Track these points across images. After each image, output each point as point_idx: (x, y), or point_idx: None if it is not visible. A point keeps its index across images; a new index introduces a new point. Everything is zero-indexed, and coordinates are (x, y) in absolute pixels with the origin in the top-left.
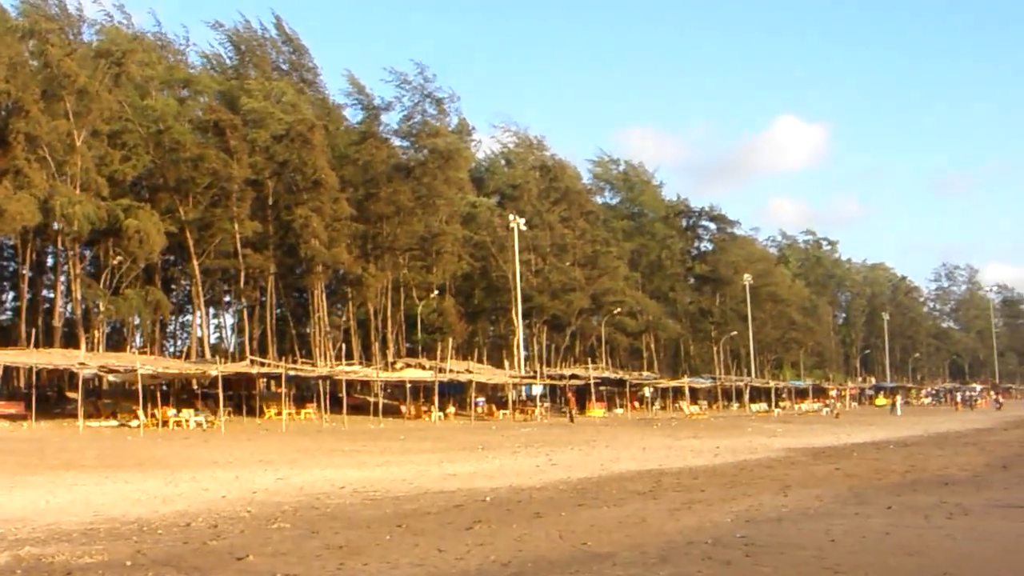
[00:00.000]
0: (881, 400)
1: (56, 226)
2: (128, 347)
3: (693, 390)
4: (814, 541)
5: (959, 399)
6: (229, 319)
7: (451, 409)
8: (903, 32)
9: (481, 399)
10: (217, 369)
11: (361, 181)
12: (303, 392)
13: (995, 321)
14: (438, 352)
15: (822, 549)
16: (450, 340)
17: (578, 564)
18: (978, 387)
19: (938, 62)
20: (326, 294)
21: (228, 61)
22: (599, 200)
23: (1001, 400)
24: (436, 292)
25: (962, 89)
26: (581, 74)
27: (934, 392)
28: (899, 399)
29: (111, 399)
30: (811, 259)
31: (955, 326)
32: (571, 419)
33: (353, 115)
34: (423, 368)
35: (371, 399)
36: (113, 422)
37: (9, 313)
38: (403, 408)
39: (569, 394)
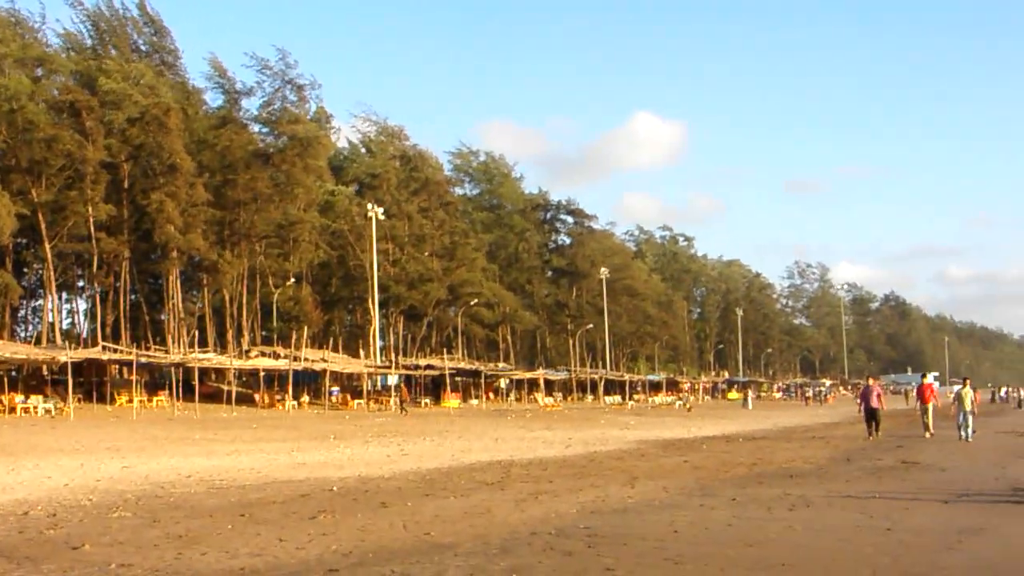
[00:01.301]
0: (733, 394)
1: None
2: None
3: (548, 382)
4: (657, 532)
5: (810, 394)
6: (82, 304)
7: (305, 398)
8: (760, 34)
9: (336, 388)
10: (67, 355)
11: (219, 167)
12: (156, 379)
13: (845, 318)
14: (293, 341)
15: (664, 540)
16: (306, 329)
17: (420, 554)
18: (828, 383)
19: (793, 66)
20: (181, 280)
21: (87, 41)
22: (458, 192)
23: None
24: (292, 280)
25: (815, 94)
26: (443, 65)
27: (785, 387)
28: (751, 393)
29: None
30: (667, 254)
31: (807, 323)
32: (403, 411)
33: (213, 99)
34: (278, 357)
35: (225, 387)
36: None
37: None
38: (257, 397)
39: (402, 385)
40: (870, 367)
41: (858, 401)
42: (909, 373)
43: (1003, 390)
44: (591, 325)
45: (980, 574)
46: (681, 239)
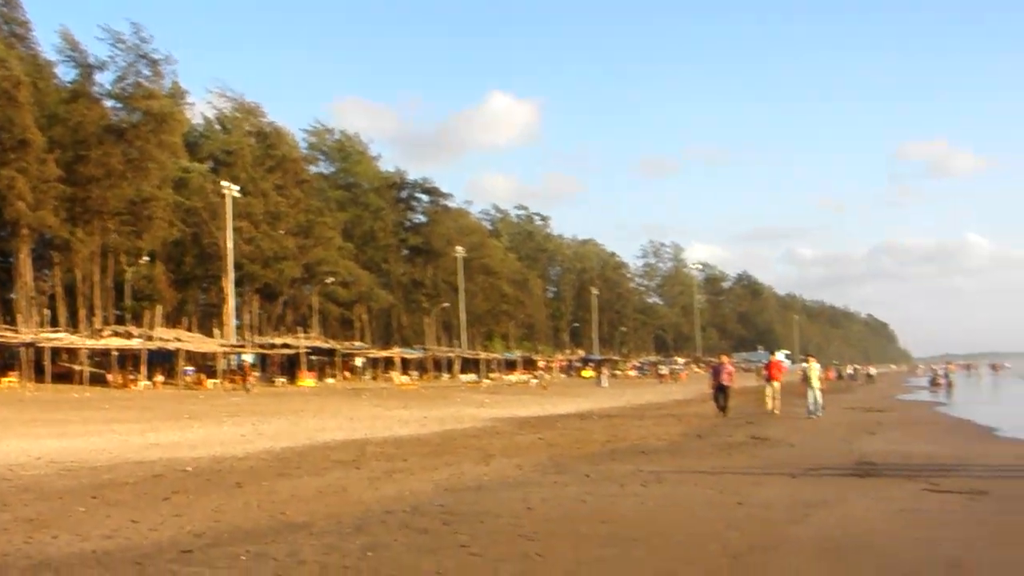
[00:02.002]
0: (588, 372)
1: None
2: None
3: (404, 360)
4: (511, 509)
5: (664, 372)
6: None
7: (159, 378)
8: (612, 12)
9: (190, 368)
10: None
11: (71, 142)
12: (6, 360)
13: (698, 297)
14: (146, 320)
15: (519, 517)
16: (159, 308)
17: (274, 534)
18: (681, 361)
19: (644, 44)
20: (32, 258)
21: None
22: (314, 170)
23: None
24: (146, 258)
25: (667, 73)
26: (298, 41)
27: (639, 365)
28: (605, 371)
29: None
30: (523, 233)
31: (661, 301)
32: (246, 390)
33: (65, 73)
34: (131, 336)
35: (77, 368)
36: None
37: None
38: (110, 377)
39: (245, 363)
40: (722, 345)
41: (710, 378)
42: (760, 351)
43: (849, 368)
44: (447, 304)
45: (826, 545)
46: (537, 218)
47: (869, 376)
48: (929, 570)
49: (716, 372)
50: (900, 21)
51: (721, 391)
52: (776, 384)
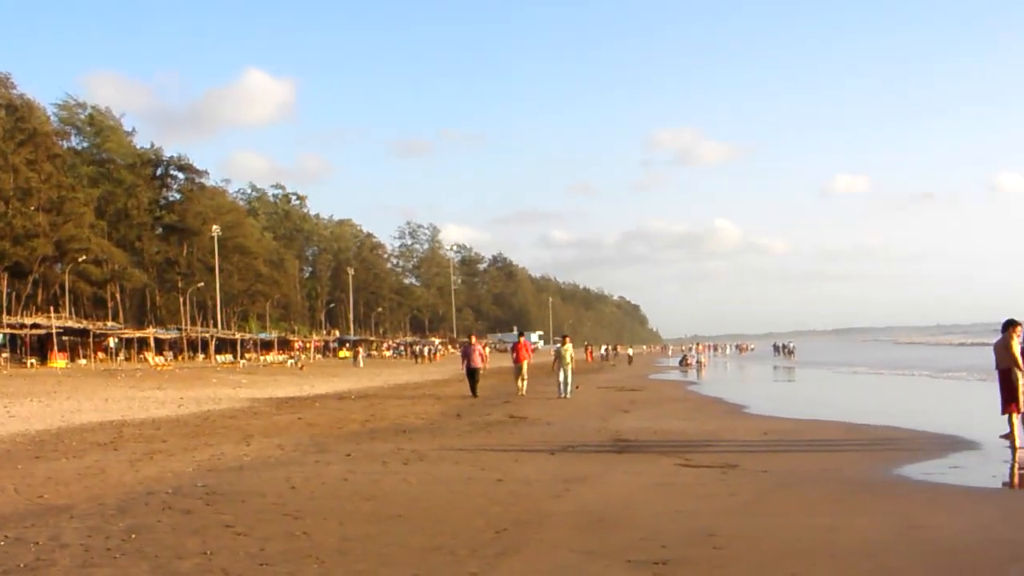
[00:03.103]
0: (345, 352)
1: None
2: None
3: (159, 341)
4: (275, 488)
5: (421, 352)
6: None
7: None
8: None
9: None
10: None
11: None
12: None
13: (454, 278)
14: None
15: (282, 496)
16: None
17: (34, 518)
18: (437, 341)
19: (397, 24)
20: None
21: None
22: (65, 145)
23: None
24: None
25: (422, 55)
26: (48, 10)
27: (396, 345)
28: (362, 352)
29: None
30: (280, 213)
31: (417, 282)
32: None
33: None
34: None
35: None
36: None
37: None
38: None
39: None
40: (478, 326)
41: (461, 359)
42: (515, 332)
43: (602, 348)
44: (202, 283)
45: (584, 518)
46: (294, 198)
47: (629, 357)
48: (686, 540)
49: (466, 353)
50: (648, 11)
51: (472, 374)
52: (523, 365)
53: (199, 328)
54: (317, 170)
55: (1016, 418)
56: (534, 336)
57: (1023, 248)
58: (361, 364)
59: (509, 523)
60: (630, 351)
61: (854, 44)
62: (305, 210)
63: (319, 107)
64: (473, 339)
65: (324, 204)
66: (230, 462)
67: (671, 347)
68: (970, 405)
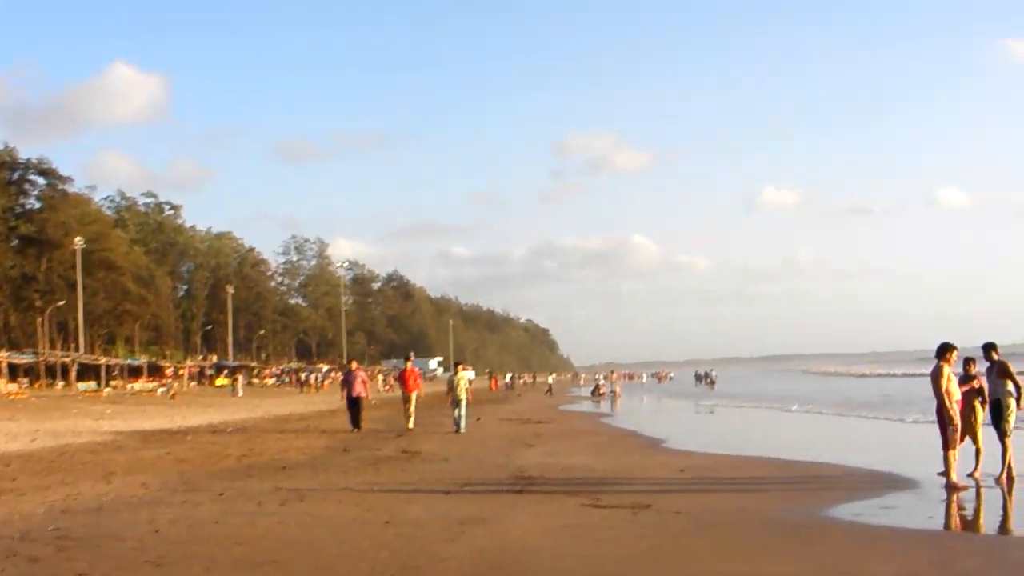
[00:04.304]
0: (222, 380)
1: None
2: None
3: (12, 366)
4: (136, 532)
5: (308, 380)
6: None
7: None
8: None
9: None
10: None
11: None
12: None
13: (345, 299)
14: None
15: (144, 540)
16: None
17: None
18: (325, 367)
19: (286, 22)
20: None
21: None
22: None
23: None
24: None
25: (309, 57)
26: None
27: (279, 372)
28: (241, 379)
29: None
30: (152, 224)
31: (303, 302)
32: None
33: None
34: None
35: None
36: None
37: None
38: None
39: None
40: (371, 351)
41: (341, 388)
42: (414, 358)
43: (507, 376)
44: (63, 302)
45: (480, 563)
46: (167, 207)
47: (549, 386)
48: None
49: (347, 380)
50: (560, 5)
51: (354, 404)
52: (412, 396)
53: (59, 352)
54: (192, 175)
55: (952, 454)
56: (433, 362)
57: (965, 268)
58: (240, 393)
59: (396, 569)
60: (550, 379)
61: (787, 49)
62: (180, 221)
63: (195, 106)
64: (354, 365)
65: (201, 214)
66: (87, 502)
67: (583, 375)
68: (908, 439)
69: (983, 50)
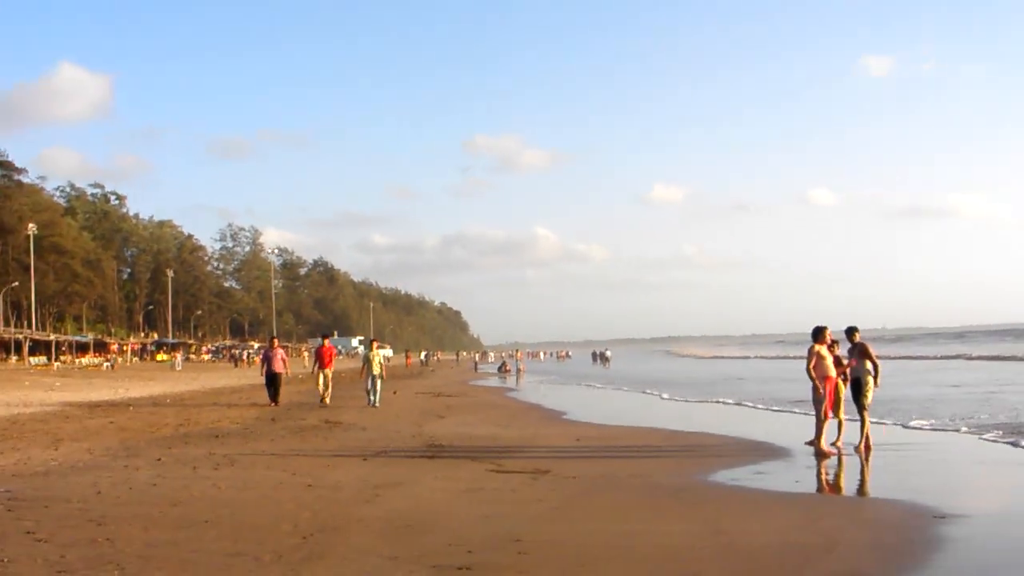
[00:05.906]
0: (162, 356)
1: None
2: None
3: None
4: (80, 494)
5: (240, 356)
6: None
7: None
8: None
9: None
10: None
11: None
12: None
13: (275, 282)
14: None
15: (88, 501)
16: None
17: None
18: (256, 345)
19: (215, 27)
20: None
21: None
22: None
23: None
24: None
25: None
26: None
27: (215, 349)
28: (180, 355)
29: None
30: (99, 213)
31: (237, 286)
32: None
33: None
34: None
35: None
36: None
37: None
38: None
39: None
40: (298, 330)
41: (261, 365)
42: (336, 337)
43: (422, 354)
44: (16, 283)
45: (392, 523)
46: (113, 198)
47: (475, 363)
48: (491, 545)
49: (267, 357)
50: (471, 14)
51: (272, 380)
52: (328, 371)
53: (12, 329)
54: (134, 169)
55: (823, 425)
56: (354, 341)
57: (833, 259)
58: (179, 368)
59: (316, 529)
60: (476, 356)
61: (675, 59)
62: (124, 210)
63: (136, 104)
64: (275, 343)
65: (144, 205)
66: (36, 467)
67: (491, 354)
68: (779, 413)
69: (849, 64)
